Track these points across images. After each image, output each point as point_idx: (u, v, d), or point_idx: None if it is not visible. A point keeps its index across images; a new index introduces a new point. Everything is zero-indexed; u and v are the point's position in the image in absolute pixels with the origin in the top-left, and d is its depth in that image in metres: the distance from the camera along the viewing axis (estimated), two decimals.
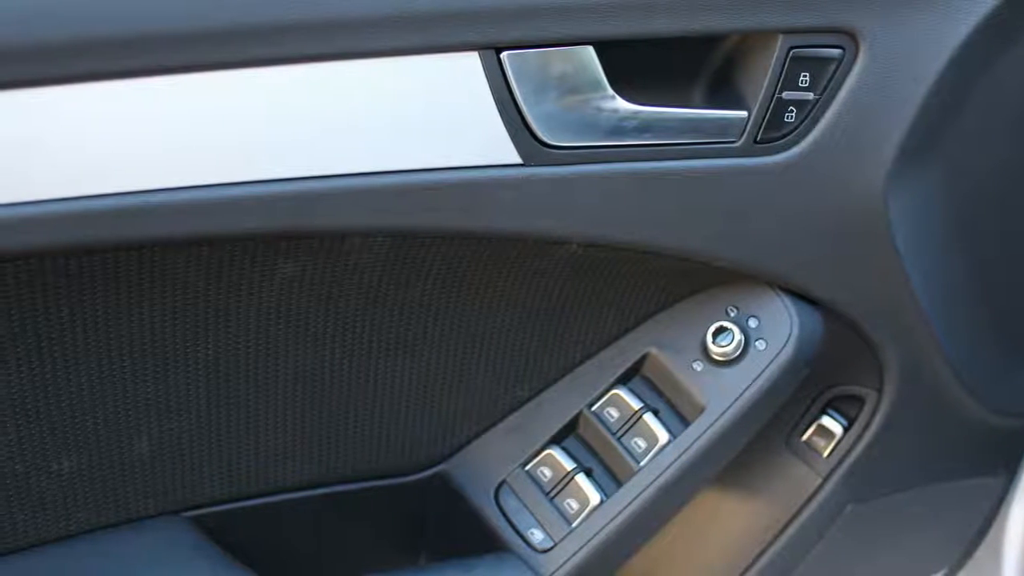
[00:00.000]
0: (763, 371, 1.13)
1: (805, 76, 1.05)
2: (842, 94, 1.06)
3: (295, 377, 1.11)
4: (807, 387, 1.19)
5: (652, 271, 1.13)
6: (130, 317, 1.02)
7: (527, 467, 1.18)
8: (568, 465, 1.16)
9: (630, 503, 1.14)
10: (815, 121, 1.06)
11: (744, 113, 1.05)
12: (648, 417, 1.15)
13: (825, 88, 1.05)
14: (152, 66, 0.91)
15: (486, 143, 1.00)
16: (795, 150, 1.06)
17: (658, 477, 1.14)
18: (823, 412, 1.25)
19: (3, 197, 0.90)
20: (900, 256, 1.12)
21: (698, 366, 1.15)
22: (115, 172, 0.92)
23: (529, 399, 1.20)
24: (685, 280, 1.15)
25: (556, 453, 1.17)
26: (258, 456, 1.14)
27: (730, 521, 1.32)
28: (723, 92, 1.07)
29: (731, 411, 1.13)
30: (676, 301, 1.17)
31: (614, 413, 1.17)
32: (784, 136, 1.06)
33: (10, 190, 0.90)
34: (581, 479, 1.16)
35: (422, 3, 0.95)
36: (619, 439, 1.16)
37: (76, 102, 0.90)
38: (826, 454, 1.25)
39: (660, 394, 1.17)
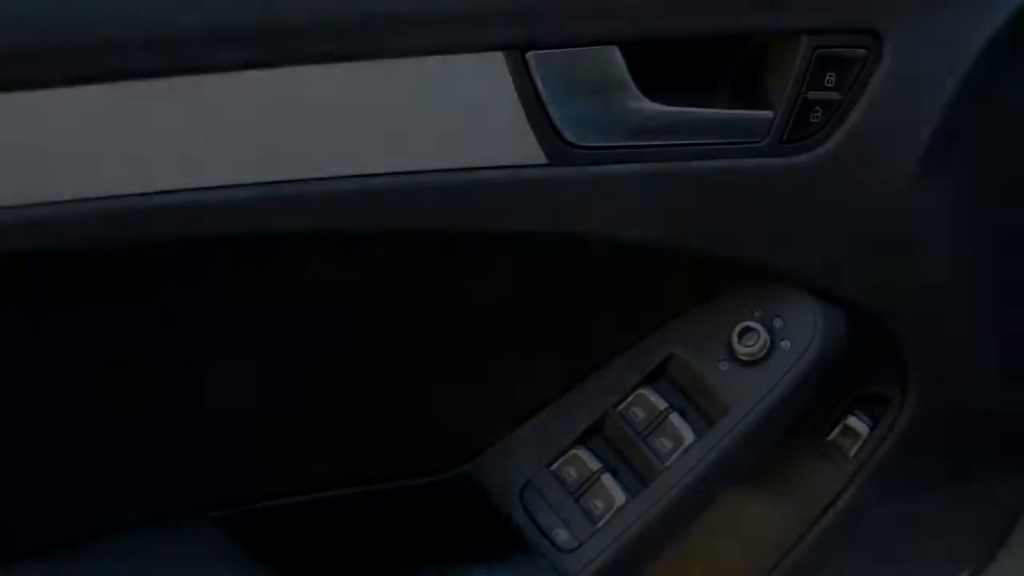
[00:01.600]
0: (788, 371, 1.12)
1: (831, 76, 1.04)
2: (868, 94, 1.05)
3: (320, 377, 1.11)
4: (832, 387, 1.19)
5: (677, 271, 1.12)
6: (155, 317, 1.03)
7: (552, 467, 1.18)
8: (593, 465, 1.16)
9: (655, 503, 1.14)
10: (841, 121, 1.06)
11: (769, 113, 1.05)
12: (674, 417, 1.15)
13: (851, 88, 1.05)
14: (178, 65, 0.91)
15: (511, 143, 0.99)
16: (821, 150, 1.06)
17: (683, 477, 1.13)
18: (848, 412, 1.24)
19: (28, 197, 0.91)
20: (925, 256, 1.12)
21: (723, 366, 1.15)
22: (140, 172, 0.92)
23: (554, 399, 1.20)
24: (710, 280, 1.14)
25: (581, 453, 1.17)
26: (283, 456, 1.14)
27: (755, 521, 1.32)
28: (748, 92, 1.07)
29: (757, 411, 1.13)
30: (701, 301, 1.17)
31: (639, 413, 1.17)
32: (810, 136, 1.06)
33: (36, 190, 0.91)
34: (606, 479, 1.15)
35: (447, 3, 0.95)
36: (644, 439, 1.15)
37: (102, 101, 0.90)
38: (852, 454, 1.25)
39: (685, 394, 1.17)
